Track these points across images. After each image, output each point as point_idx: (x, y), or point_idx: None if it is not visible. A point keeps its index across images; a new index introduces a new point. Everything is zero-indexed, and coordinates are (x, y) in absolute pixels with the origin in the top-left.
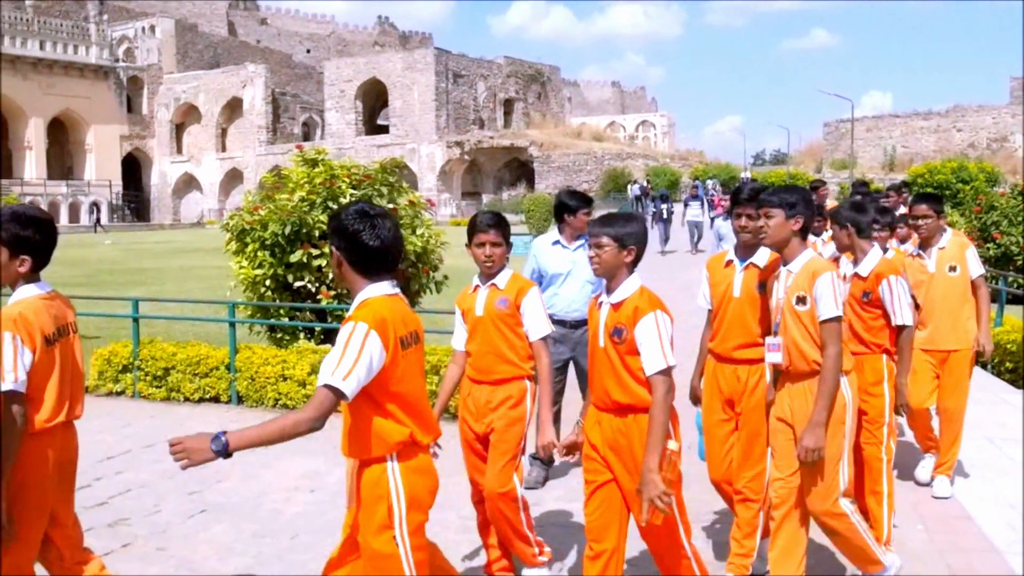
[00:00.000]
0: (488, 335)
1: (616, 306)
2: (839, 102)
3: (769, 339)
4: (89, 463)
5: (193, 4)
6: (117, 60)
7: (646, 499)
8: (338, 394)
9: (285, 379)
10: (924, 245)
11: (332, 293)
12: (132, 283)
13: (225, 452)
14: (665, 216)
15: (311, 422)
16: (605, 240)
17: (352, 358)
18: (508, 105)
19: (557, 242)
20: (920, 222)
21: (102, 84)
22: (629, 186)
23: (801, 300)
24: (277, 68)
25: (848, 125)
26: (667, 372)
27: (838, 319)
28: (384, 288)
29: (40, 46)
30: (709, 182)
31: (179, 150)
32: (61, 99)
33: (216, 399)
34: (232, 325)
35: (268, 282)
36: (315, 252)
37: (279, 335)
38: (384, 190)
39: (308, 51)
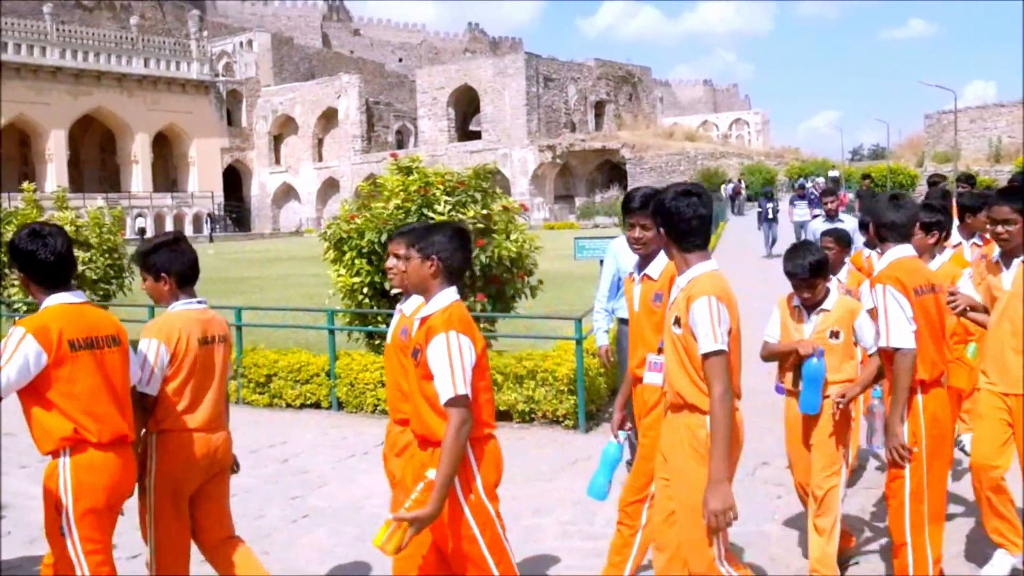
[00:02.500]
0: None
1: (421, 323)
2: (940, 93)
3: (651, 356)
4: None
5: (289, 18)
6: (217, 75)
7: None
8: None
9: (384, 385)
10: (1006, 256)
11: None
12: (234, 291)
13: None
14: (771, 216)
15: None
16: (402, 251)
17: (4, 358)
18: (599, 107)
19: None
20: (1001, 228)
21: (203, 99)
22: (723, 186)
23: (676, 322)
24: (370, 78)
25: (950, 116)
26: (458, 402)
27: (719, 353)
28: (63, 298)
29: (144, 63)
30: (818, 180)
31: (277, 161)
32: (165, 114)
33: (317, 405)
34: (331, 332)
35: (366, 289)
36: None
37: (377, 342)
38: (478, 196)
39: (400, 60)
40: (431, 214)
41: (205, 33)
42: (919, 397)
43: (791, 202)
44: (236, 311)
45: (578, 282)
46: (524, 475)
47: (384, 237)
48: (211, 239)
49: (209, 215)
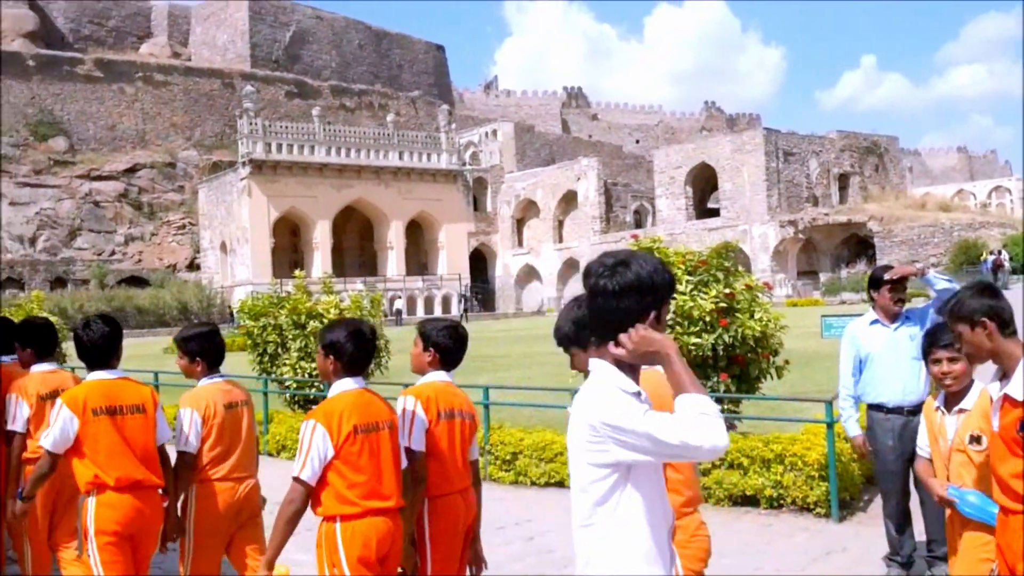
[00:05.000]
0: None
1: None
2: None
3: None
4: None
5: (530, 107)
6: (464, 164)
7: None
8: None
9: None
10: None
11: None
12: (481, 370)
13: None
14: None
15: None
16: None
17: (51, 426)
18: (843, 180)
19: (876, 321)
20: None
21: (452, 186)
22: (983, 259)
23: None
24: (608, 160)
25: None
26: (297, 481)
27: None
28: (99, 375)
29: (399, 156)
30: None
31: (520, 243)
32: (417, 202)
33: (561, 484)
34: None
35: None
36: None
37: None
38: (719, 275)
39: (637, 141)
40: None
41: (454, 126)
42: None
43: None
44: (483, 390)
45: (826, 361)
46: (774, 566)
47: None
48: (463, 319)
49: (462, 296)
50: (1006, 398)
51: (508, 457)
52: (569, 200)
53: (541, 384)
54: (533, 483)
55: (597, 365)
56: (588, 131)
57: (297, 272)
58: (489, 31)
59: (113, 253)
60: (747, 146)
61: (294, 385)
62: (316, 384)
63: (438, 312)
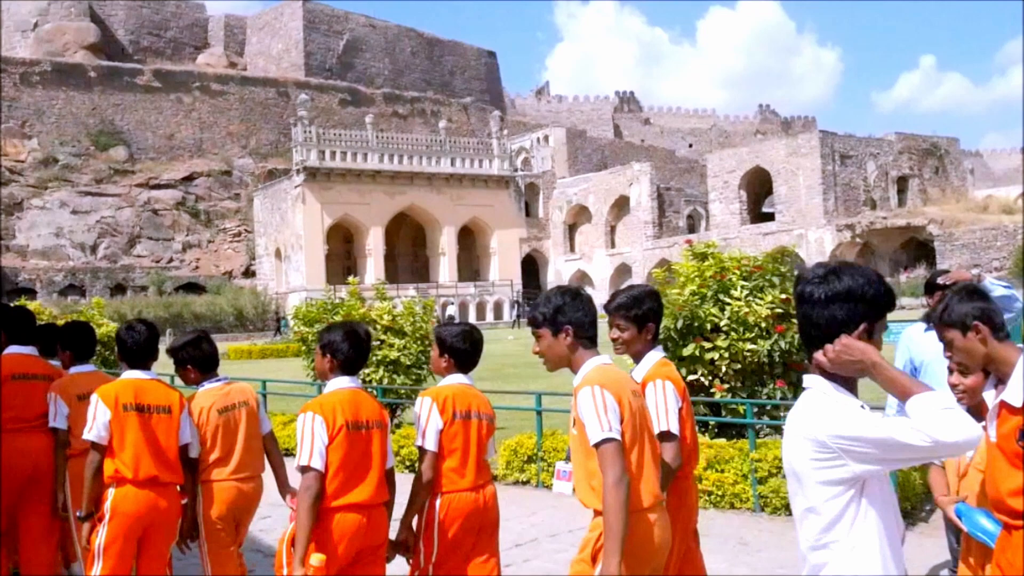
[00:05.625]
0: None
1: None
2: None
3: (560, 464)
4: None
5: (582, 112)
6: (516, 169)
7: None
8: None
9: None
10: None
11: (726, 386)
12: (532, 376)
13: None
14: None
15: None
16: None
17: (91, 419)
18: (901, 183)
19: (930, 328)
20: None
21: (503, 192)
22: None
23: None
24: (661, 164)
25: None
26: (308, 469)
27: (608, 440)
28: (134, 374)
29: (451, 163)
30: None
31: (571, 249)
32: (469, 208)
33: None
34: None
35: None
36: (707, 345)
37: None
38: (775, 280)
39: (690, 145)
40: (728, 300)
41: (505, 132)
42: None
43: None
44: (536, 396)
45: None
46: None
47: (680, 323)
48: (516, 325)
49: (516, 303)
50: (1003, 405)
51: None
52: (621, 205)
53: None
54: None
55: (811, 380)
56: (640, 136)
57: (351, 278)
58: (540, 37)
59: (171, 260)
60: (802, 149)
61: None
62: (370, 390)
63: (490, 318)
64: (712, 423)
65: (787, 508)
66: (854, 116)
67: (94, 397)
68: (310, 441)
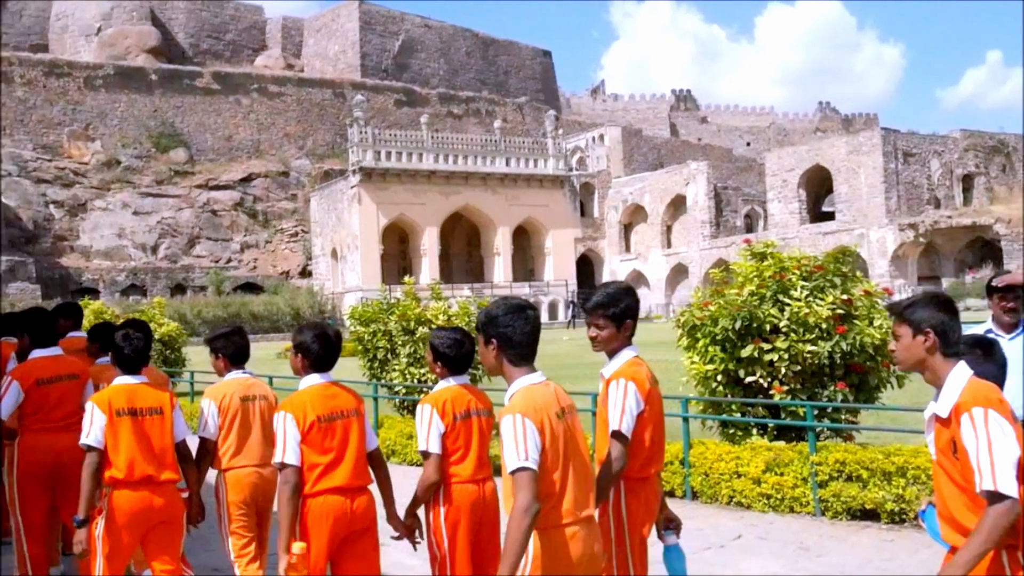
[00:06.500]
0: None
1: None
2: None
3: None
4: None
5: (637, 111)
6: (571, 169)
7: None
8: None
9: (739, 476)
10: None
11: (785, 388)
12: (588, 377)
13: None
14: None
15: None
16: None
17: (87, 425)
18: (967, 181)
19: (991, 331)
20: None
21: (558, 192)
22: None
23: None
24: (718, 163)
25: None
26: (283, 465)
27: (522, 469)
28: (124, 379)
29: (506, 163)
30: None
31: (627, 248)
32: (524, 208)
33: (671, 494)
34: (685, 420)
35: (719, 377)
36: (766, 347)
37: (731, 430)
38: (836, 280)
39: (748, 144)
40: (787, 300)
41: (560, 131)
42: None
43: None
44: (592, 397)
45: None
46: None
47: (738, 324)
48: (570, 325)
49: (570, 302)
50: (936, 418)
51: None
52: (678, 205)
53: None
54: None
55: None
56: (697, 134)
57: (406, 278)
58: (596, 36)
59: (229, 260)
60: (864, 147)
61: (403, 391)
62: (425, 389)
63: (545, 318)
64: (771, 425)
65: (848, 512)
66: (917, 113)
67: (89, 404)
68: (283, 438)
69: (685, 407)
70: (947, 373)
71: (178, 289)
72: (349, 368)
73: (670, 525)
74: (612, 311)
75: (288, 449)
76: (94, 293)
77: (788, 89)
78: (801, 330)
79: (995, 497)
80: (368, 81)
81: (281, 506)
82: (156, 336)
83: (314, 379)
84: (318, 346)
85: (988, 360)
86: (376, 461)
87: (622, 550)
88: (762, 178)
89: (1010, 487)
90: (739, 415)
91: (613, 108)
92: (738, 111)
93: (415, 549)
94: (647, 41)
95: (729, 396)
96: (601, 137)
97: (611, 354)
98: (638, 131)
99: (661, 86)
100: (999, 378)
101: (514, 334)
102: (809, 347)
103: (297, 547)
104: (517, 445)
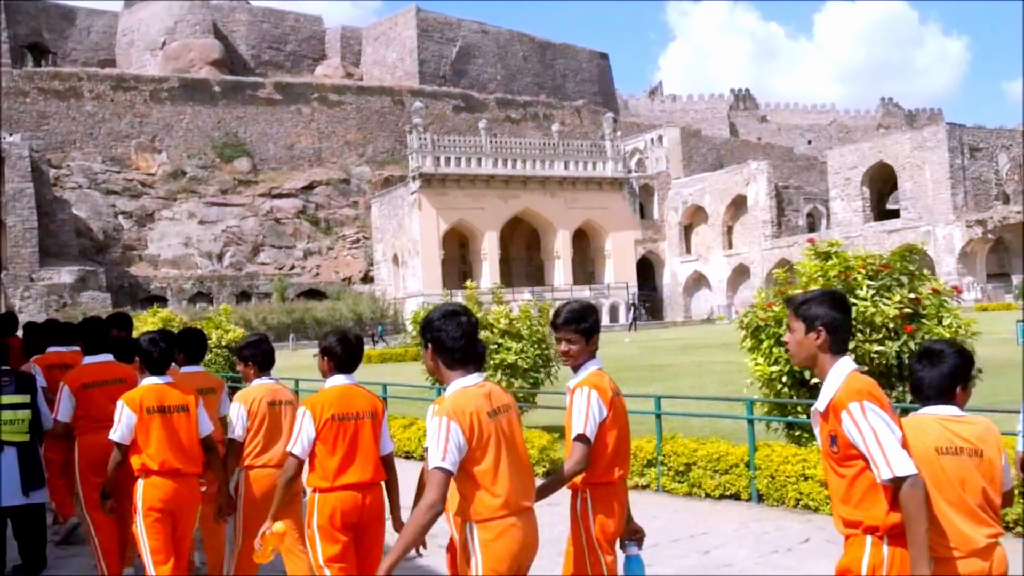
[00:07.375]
0: None
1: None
2: None
3: None
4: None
5: (696, 111)
6: (630, 171)
7: None
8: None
9: (806, 478)
10: None
11: None
12: (651, 379)
13: None
14: None
15: None
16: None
17: (116, 422)
18: None
19: None
20: None
21: (617, 194)
22: None
23: None
24: (778, 162)
25: None
26: (290, 455)
27: (438, 469)
28: (152, 380)
29: (565, 166)
30: None
31: (688, 250)
32: (583, 211)
33: (736, 496)
34: (750, 422)
35: (784, 379)
36: None
37: (797, 432)
38: (903, 279)
39: (809, 142)
40: (853, 300)
41: (619, 133)
42: None
43: None
44: (656, 399)
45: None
46: None
47: None
48: (632, 328)
49: (631, 305)
50: (816, 412)
51: (681, 468)
52: (738, 205)
53: (713, 393)
54: (707, 495)
55: None
56: (757, 133)
57: (467, 283)
58: (652, 37)
59: (293, 267)
60: (928, 143)
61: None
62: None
63: (606, 321)
64: None
65: None
66: (983, 107)
67: (120, 403)
68: (297, 431)
69: (750, 409)
70: (828, 370)
71: (243, 296)
72: (412, 372)
73: (633, 536)
74: (583, 326)
75: (298, 441)
76: (162, 301)
77: (849, 86)
78: (868, 330)
79: (899, 482)
80: (426, 88)
81: (277, 490)
82: (223, 343)
83: (338, 380)
84: (341, 349)
85: (936, 367)
86: (387, 465)
87: (594, 555)
88: (824, 176)
89: (906, 467)
90: (805, 417)
91: (671, 109)
92: (798, 109)
93: (419, 555)
94: (704, 41)
95: (794, 398)
96: (660, 138)
97: (576, 368)
98: (697, 131)
99: (719, 86)
100: (948, 383)
101: (447, 338)
102: (876, 347)
103: (277, 526)
104: (437, 444)
